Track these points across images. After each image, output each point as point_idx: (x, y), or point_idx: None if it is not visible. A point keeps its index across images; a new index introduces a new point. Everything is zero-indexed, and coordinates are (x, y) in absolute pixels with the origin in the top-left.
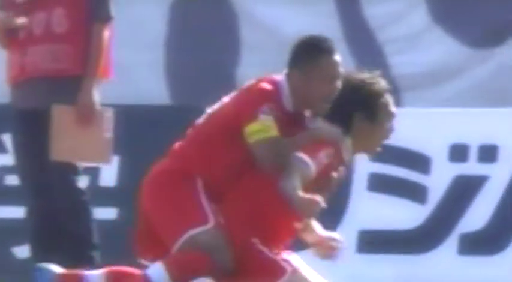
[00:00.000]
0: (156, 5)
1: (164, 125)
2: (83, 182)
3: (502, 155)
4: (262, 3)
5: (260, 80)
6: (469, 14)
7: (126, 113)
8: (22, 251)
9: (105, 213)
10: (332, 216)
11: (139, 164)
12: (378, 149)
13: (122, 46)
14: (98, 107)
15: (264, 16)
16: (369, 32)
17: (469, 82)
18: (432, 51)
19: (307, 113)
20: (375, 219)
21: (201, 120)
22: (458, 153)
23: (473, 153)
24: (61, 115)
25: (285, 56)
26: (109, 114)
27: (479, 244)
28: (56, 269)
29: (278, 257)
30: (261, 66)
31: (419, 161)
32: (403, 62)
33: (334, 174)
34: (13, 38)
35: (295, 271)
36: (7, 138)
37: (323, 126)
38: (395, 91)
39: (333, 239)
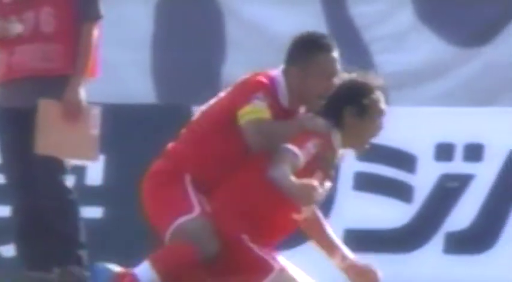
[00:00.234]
0: (142, 4)
1: (150, 124)
2: (69, 181)
3: (487, 154)
4: (249, 2)
5: (256, 74)
6: (455, 14)
7: (113, 112)
8: (7, 250)
9: (91, 212)
10: None
11: (126, 163)
12: (367, 145)
13: (108, 45)
14: (84, 104)
15: (250, 15)
16: (355, 31)
17: (454, 81)
18: (418, 51)
19: (302, 110)
20: (360, 218)
21: (194, 118)
22: (444, 152)
23: (458, 152)
24: (48, 109)
25: (271, 55)
26: (96, 112)
27: (465, 243)
28: (114, 268)
29: (267, 255)
30: (247, 65)
31: (405, 160)
32: (389, 60)
33: (321, 189)
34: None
35: (282, 269)
36: None
37: (310, 117)
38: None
39: (373, 271)
